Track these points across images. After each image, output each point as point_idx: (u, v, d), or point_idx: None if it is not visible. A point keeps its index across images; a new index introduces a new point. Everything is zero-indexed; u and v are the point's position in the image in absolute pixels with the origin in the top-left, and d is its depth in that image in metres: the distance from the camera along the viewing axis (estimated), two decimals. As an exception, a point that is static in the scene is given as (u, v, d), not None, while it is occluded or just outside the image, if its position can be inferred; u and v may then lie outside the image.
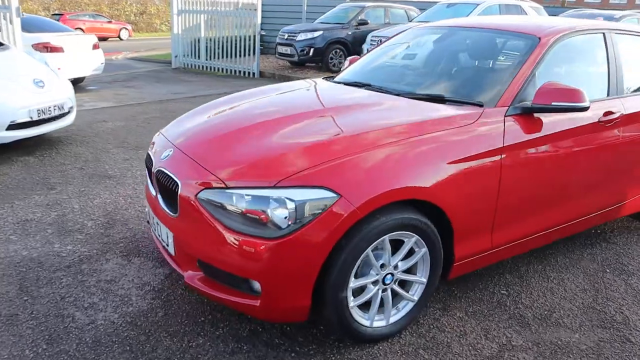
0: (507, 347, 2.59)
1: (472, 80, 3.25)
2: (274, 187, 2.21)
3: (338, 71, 4.83)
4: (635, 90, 3.56)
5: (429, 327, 2.72)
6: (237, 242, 2.22)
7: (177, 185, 2.44)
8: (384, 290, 2.50)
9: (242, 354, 2.45)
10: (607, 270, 3.40)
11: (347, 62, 4.23)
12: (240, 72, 12.27)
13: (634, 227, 4.10)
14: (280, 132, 2.58)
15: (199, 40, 12.91)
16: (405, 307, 2.61)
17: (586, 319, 2.85)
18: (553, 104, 2.73)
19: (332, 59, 11.50)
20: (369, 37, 10.78)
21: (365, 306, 2.49)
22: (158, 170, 2.64)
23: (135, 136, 6.35)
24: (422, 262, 2.57)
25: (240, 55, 12.21)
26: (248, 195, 2.23)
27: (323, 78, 3.87)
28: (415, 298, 2.60)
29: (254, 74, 12.01)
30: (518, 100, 2.81)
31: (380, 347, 2.54)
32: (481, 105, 2.79)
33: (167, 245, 2.61)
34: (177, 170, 2.51)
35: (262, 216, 2.19)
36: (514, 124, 2.75)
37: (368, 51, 4.32)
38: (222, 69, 12.56)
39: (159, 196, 2.66)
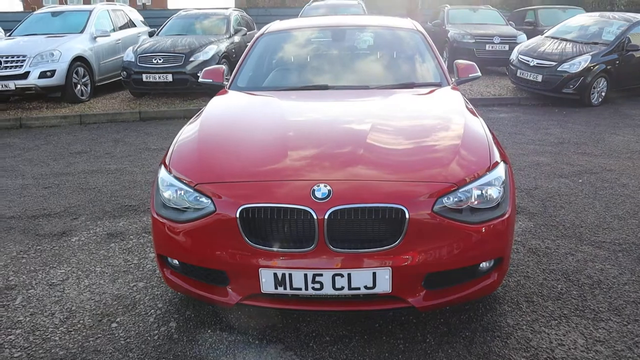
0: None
1: (415, 68, 3.86)
2: (489, 170, 2.43)
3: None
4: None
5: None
6: (483, 230, 2.32)
7: (401, 212, 2.20)
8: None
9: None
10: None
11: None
12: None
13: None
14: (399, 135, 2.73)
15: None
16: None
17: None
18: (470, 75, 3.79)
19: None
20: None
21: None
22: (337, 211, 2.19)
23: None
24: None
25: None
26: (479, 186, 2.36)
27: (233, 89, 3.69)
28: None
29: None
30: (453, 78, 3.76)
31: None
32: (439, 85, 3.56)
33: (372, 287, 2.26)
34: (381, 197, 2.22)
35: (494, 197, 2.38)
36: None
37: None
38: None
39: (329, 244, 2.23)
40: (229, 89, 3.73)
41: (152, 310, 2.85)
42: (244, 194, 2.29)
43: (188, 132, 2.90)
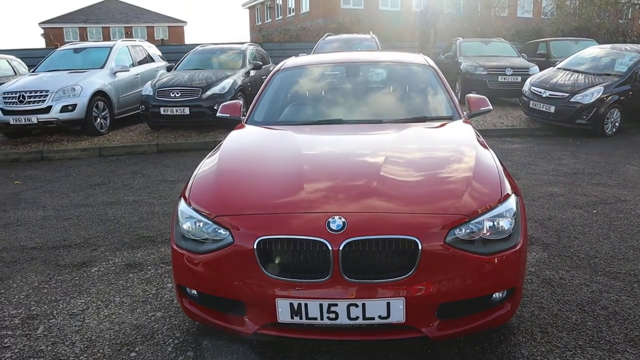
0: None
1: (427, 102, 3.96)
2: (500, 202, 2.47)
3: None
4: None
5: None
6: (495, 261, 2.36)
7: (414, 243, 2.25)
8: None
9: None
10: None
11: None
12: None
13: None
14: (411, 167, 2.82)
15: None
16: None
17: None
18: (481, 109, 3.87)
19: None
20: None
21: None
22: (351, 243, 2.25)
23: None
24: None
25: None
26: (491, 218, 2.41)
27: (250, 123, 3.80)
28: None
29: None
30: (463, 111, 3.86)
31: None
32: (451, 118, 3.65)
33: (387, 317, 2.30)
34: (394, 229, 2.29)
35: (506, 228, 2.42)
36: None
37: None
38: None
39: (344, 275, 2.28)
40: (246, 123, 3.85)
41: (170, 340, 2.90)
42: (261, 225, 2.36)
43: (207, 165, 3.01)
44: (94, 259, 4.12)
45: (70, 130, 9.43)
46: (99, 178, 6.92)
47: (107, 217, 5.18)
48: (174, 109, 9.08)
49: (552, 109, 8.94)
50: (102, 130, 9.45)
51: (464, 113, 3.84)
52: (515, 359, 2.62)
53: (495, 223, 2.41)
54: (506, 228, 2.42)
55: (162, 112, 9.15)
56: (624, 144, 8.22)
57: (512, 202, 2.52)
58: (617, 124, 8.87)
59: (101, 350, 2.83)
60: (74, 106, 8.87)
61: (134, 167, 7.49)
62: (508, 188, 2.61)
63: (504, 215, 2.44)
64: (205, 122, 9.23)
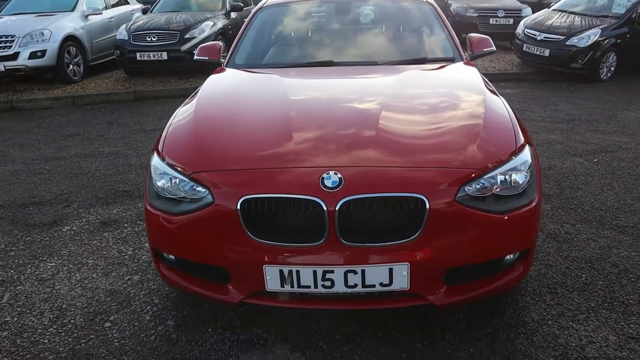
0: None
1: (426, 41, 3.61)
2: (514, 154, 2.21)
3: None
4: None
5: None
6: (509, 220, 2.10)
7: (420, 201, 1.98)
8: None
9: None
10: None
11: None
12: None
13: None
14: (414, 115, 2.52)
15: None
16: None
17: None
18: (484, 50, 3.54)
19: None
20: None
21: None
22: (349, 202, 1.97)
23: None
24: None
25: None
26: (505, 171, 2.14)
27: (230, 66, 3.44)
28: None
29: None
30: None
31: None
32: (453, 60, 3.32)
33: (389, 285, 2.06)
34: (399, 186, 2.01)
35: (520, 183, 2.16)
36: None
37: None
38: None
39: (341, 238, 2.01)
40: (226, 66, 3.50)
41: (148, 307, 2.65)
42: (246, 183, 2.07)
43: (182, 114, 2.67)
44: (65, 216, 3.82)
45: (41, 78, 8.85)
46: (73, 128, 6.51)
47: (81, 171, 4.84)
48: (151, 54, 8.56)
49: (547, 52, 8.59)
50: (75, 78, 8.89)
51: (466, 54, 3.50)
52: (525, 323, 2.42)
53: (508, 177, 2.15)
54: (520, 182, 2.16)
55: (138, 58, 8.62)
56: (619, 89, 7.95)
57: (527, 154, 2.26)
58: (612, 69, 8.56)
59: (72, 321, 2.57)
60: (44, 52, 8.28)
61: (110, 117, 7.06)
62: (522, 138, 2.33)
63: (519, 169, 2.18)
64: (185, 68, 8.73)
